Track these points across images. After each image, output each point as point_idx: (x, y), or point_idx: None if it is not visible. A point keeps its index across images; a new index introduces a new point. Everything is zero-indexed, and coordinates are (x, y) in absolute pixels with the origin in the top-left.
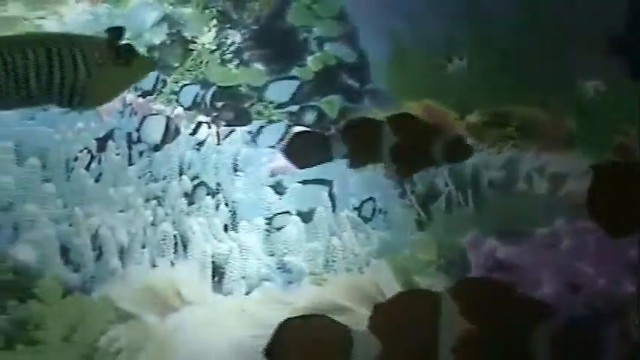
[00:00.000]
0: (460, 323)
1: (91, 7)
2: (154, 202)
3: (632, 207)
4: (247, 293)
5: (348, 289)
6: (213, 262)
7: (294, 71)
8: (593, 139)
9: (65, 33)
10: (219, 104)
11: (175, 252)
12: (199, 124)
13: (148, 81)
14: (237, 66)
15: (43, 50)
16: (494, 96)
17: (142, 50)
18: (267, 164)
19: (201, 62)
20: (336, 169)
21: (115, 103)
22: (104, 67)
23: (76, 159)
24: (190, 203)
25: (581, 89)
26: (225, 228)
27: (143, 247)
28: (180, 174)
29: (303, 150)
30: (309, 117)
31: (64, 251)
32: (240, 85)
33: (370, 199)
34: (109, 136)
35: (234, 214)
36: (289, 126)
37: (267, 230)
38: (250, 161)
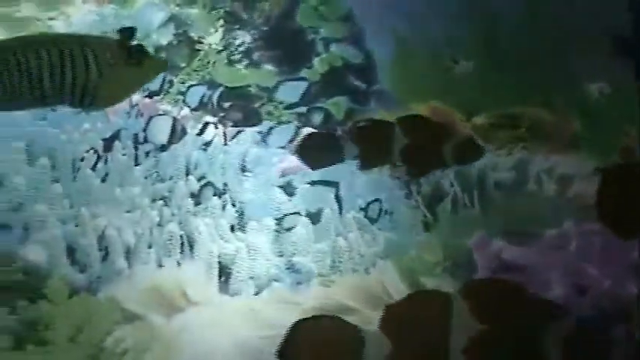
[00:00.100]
0: (471, 324)
1: (98, 8)
2: (161, 202)
3: (638, 208)
4: (256, 294)
5: (354, 290)
6: (219, 263)
7: (302, 72)
8: (599, 140)
9: (77, 34)
10: (227, 105)
11: (182, 252)
12: (206, 124)
13: (154, 81)
14: (247, 66)
15: (56, 50)
16: (499, 97)
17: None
18: (277, 165)
19: (208, 63)
20: (343, 170)
21: (122, 104)
22: (115, 67)
23: (82, 159)
24: (197, 204)
25: (585, 91)
26: (232, 228)
27: (149, 247)
28: (187, 174)
29: (315, 151)
30: (316, 118)
31: (71, 251)
32: (249, 86)
33: (376, 200)
34: (116, 136)
35: (242, 214)
36: (298, 127)
37: (277, 231)
38: (260, 161)
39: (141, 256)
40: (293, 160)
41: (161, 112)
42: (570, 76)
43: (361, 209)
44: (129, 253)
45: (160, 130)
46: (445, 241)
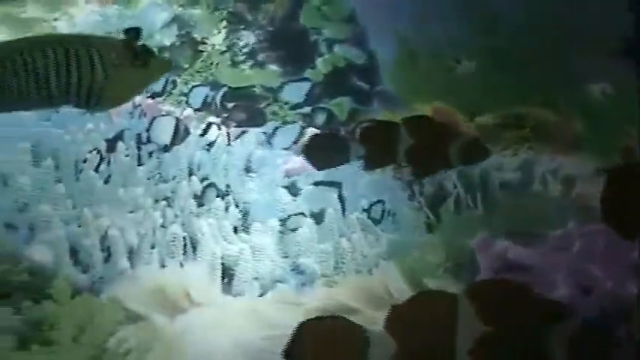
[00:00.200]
0: (477, 324)
1: (101, 9)
2: (164, 203)
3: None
4: (261, 295)
5: (357, 291)
6: (222, 264)
7: (306, 73)
8: (601, 141)
9: (82, 34)
10: (230, 105)
11: (184, 253)
12: (209, 125)
13: (157, 82)
14: (252, 67)
15: (62, 50)
16: (502, 98)
17: None
18: (281, 165)
19: (211, 63)
20: (346, 170)
21: (125, 104)
22: (121, 67)
23: (85, 160)
24: (200, 204)
25: (587, 91)
26: (236, 229)
27: (152, 248)
28: (190, 175)
29: (321, 152)
30: (319, 119)
31: (74, 252)
32: (254, 86)
33: (379, 201)
34: (119, 137)
35: (246, 215)
36: (302, 127)
37: (281, 232)
38: (265, 162)
39: (143, 257)
40: (297, 161)
41: (164, 113)
42: (572, 77)
43: (364, 210)
44: (132, 254)
45: (163, 131)
46: (448, 242)
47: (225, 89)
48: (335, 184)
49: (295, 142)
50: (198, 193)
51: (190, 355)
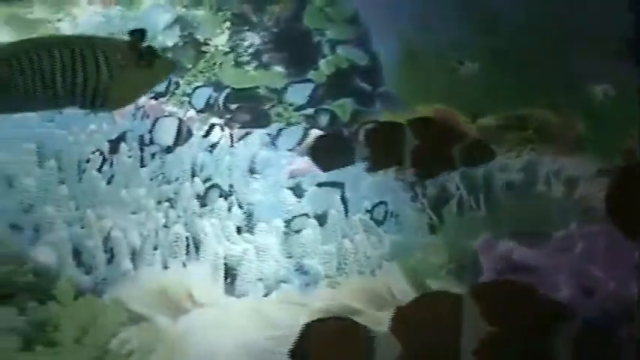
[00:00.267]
0: (481, 325)
1: (104, 9)
2: (166, 204)
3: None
4: (265, 295)
5: (360, 292)
6: (225, 264)
7: (309, 74)
8: (603, 142)
9: (87, 35)
10: (234, 106)
11: (187, 254)
12: (212, 126)
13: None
14: (256, 68)
15: (68, 51)
16: (504, 99)
17: None
18: (286, 166)
19: (214, 64)
20: (348, 172)
21: None
22: (126, 68)
23: (88, 161)
24: (203, 205)
25: (590, 93)
26: (240, 230)
27: (155, 248)
28: (193, 176)
29: (327, 153)
30: (322, 120)
31: (76, 253)
32: (258, 87)
33: (382, 202)
34: (122, 138)
35: (250, 215)
36: (306, 129)
37: (286, 233)
38: (269, 163)
39: (146, 258)
40: (302, 162)
41: (167, 114)
42: (575, 78)
43: (367, 211)
44: (134, 255)
45: (166, 132)
46: (451, 244)
47: (228, 90)
48: (337, 186)
49: (299, 144)
50: (201, 194)
51: (193, 356)
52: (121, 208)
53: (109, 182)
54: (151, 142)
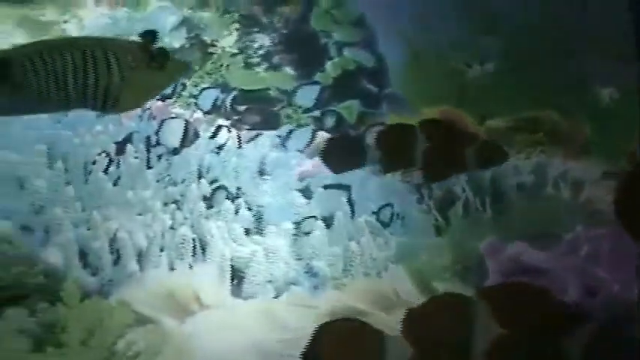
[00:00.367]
0: (493, 327)
1: (110, 11)
2: (173, 205)
3: None
4: (276, 297)
5: (366, 293)
6: (232, 266)
7: (316, 76)
8: (608, 145)
9: (98, 37)
10: (242, 108)
11: (194, 255)
12: (219, 127)
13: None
14: (267, 69)
15: (79, 53)
16: (511, 101)
17: None
18: (295, 168)
19: (222, 66)
20: (355, 174)
21: None
22: (137, 70)
23: (94, 162)
24: (209, 207)
25: (596, 95)
26: (248, 232)
27: (161, 250)
28: (199, 177)
29: (338, 155)
30: (329, 121)
31: (83, 255)
32: (268, 89)
33: (388, 204)
34: (128, 139)
35: (259, 217)
36: (314, 130)
37: (295, 235)
38: (279, 165)
39: (152, 260)
40: (310, 164)
41: (173, 116)
42: (580, 81)
43: (373, 213)
44: (141, 257)
45: (173, 133)
46: (456, 245)
47: (235, 92)
48: (344, 187)
49: (308, 145)
50: (208, 196)
51: (199, 358)
52: (127, 210)
53: (115, 184)
54: (158, 143)
